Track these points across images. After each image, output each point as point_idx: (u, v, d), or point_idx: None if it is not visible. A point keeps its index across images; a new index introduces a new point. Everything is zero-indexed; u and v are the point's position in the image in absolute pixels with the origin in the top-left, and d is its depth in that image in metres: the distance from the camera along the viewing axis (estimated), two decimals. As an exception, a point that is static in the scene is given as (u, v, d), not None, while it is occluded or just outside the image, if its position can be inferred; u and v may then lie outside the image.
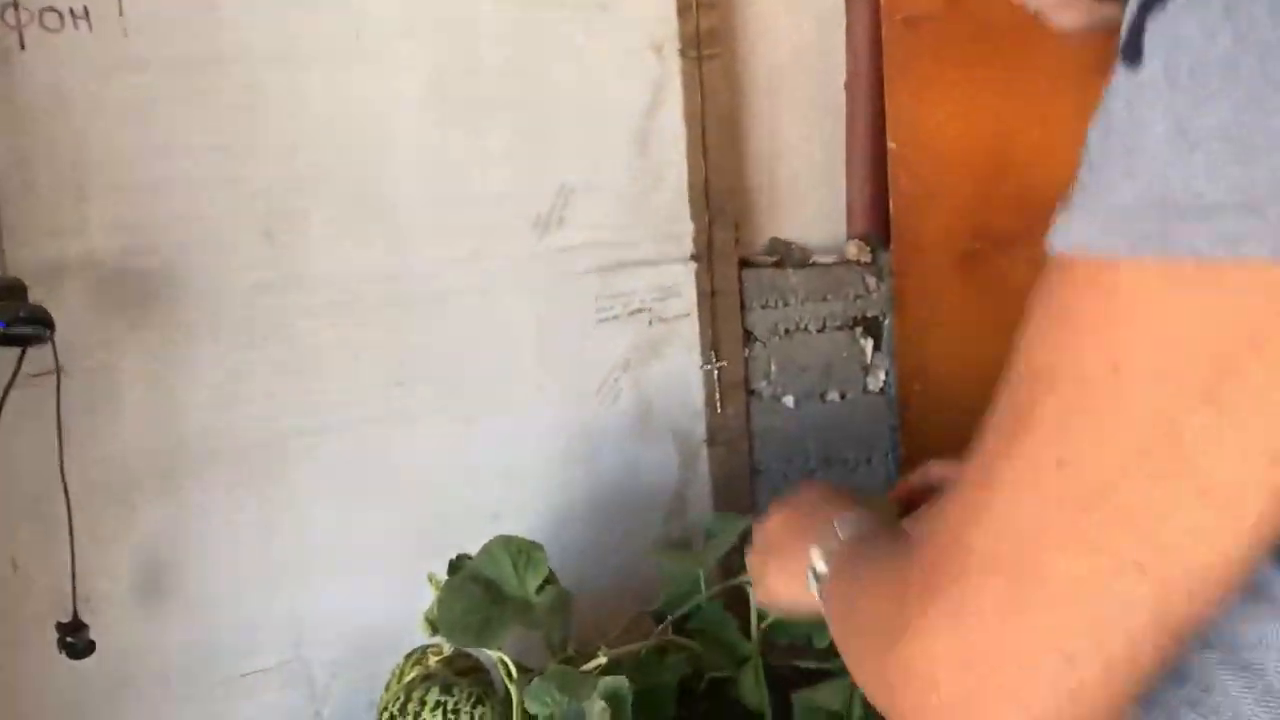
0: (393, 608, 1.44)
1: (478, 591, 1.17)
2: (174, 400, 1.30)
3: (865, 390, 1.81)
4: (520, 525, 1.31)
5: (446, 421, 1.49)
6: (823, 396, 1.80)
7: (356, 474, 1.42)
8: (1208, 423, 0.45)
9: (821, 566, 0.79)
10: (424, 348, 1.46)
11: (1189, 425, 0.45)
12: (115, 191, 1.25)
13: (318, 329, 1.38)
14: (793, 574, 0.84)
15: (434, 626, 1.17)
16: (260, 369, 1.35)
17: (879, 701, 0.57)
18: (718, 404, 1.72)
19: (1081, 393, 0.48)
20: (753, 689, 1.20)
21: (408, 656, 1.28)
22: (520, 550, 1.20)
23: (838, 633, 0.70)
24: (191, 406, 1.31)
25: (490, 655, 1.15)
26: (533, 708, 1.07)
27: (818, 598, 0.80)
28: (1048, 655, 0.48)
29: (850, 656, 0.64)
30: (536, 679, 1.09)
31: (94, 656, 1.26)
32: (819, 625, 1.21)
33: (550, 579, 1.21)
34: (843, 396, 1.81)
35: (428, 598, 1.28)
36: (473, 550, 1.20)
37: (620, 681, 1.02)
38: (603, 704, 0.99)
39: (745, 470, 1.77)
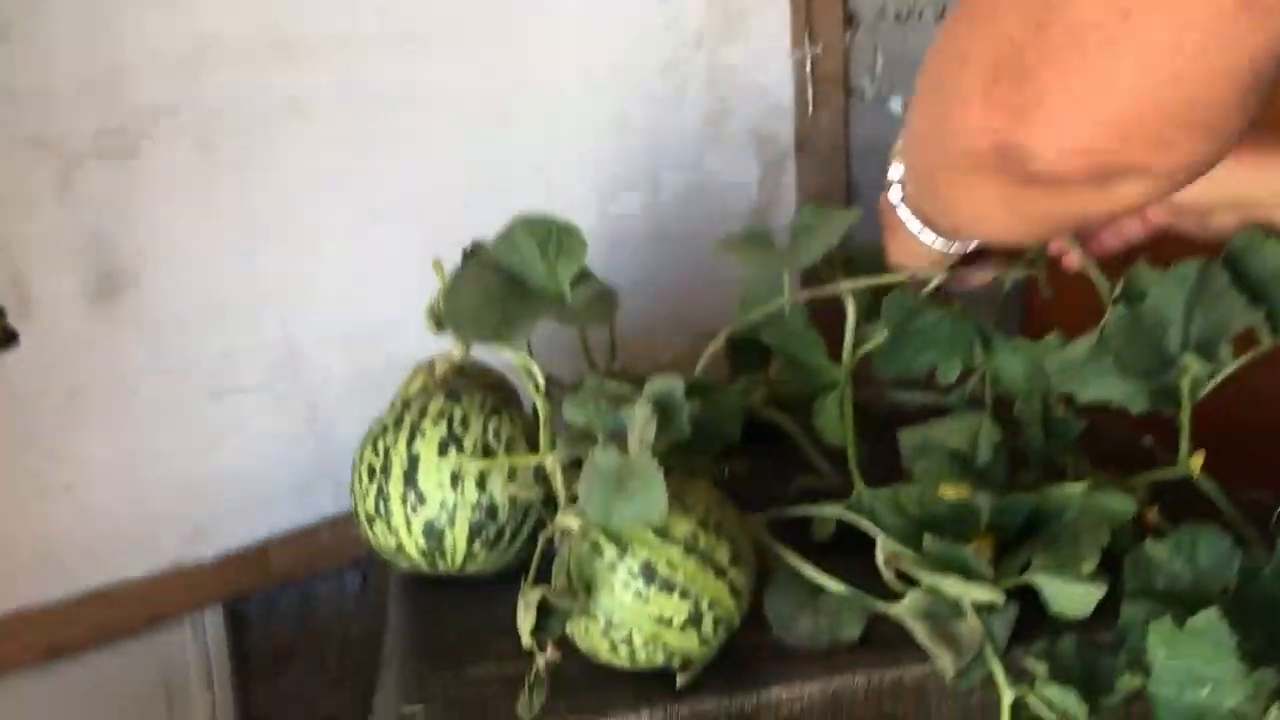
0: (407, 319, 1.18)
1: (495, 281, 0.91)
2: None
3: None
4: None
5: (469, 101, 1.21)
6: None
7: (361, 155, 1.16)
8: None
9: None
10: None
11: None
12: None
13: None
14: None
15: (439, 321, 0.92)
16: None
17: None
18: (809, 103, 1.41)
19: None
20: (834, 421, 0.94)
21: (418, 367, 1.03)
22: (550, 234, 0.93)
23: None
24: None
25: (511, 360, 0.90)
26: (572, 416, 0.83)
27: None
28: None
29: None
30: (584, 385, 0.85)
31: (37, 368, 1.03)
32: (946, 349, 0.96)
33: (588, 274, 0.95)
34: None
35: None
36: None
37: (673, 384, 0.77)
38: (649, 409, 0.74)
39: (840, 189, 1.47)
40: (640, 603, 0.74)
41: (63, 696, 1.11)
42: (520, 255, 0.93)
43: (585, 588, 0.75)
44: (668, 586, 0.74)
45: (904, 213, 0.82)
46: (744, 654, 0.81)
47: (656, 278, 1.36)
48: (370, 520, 0.88)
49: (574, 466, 0.82)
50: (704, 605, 0.75)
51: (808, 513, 0.90)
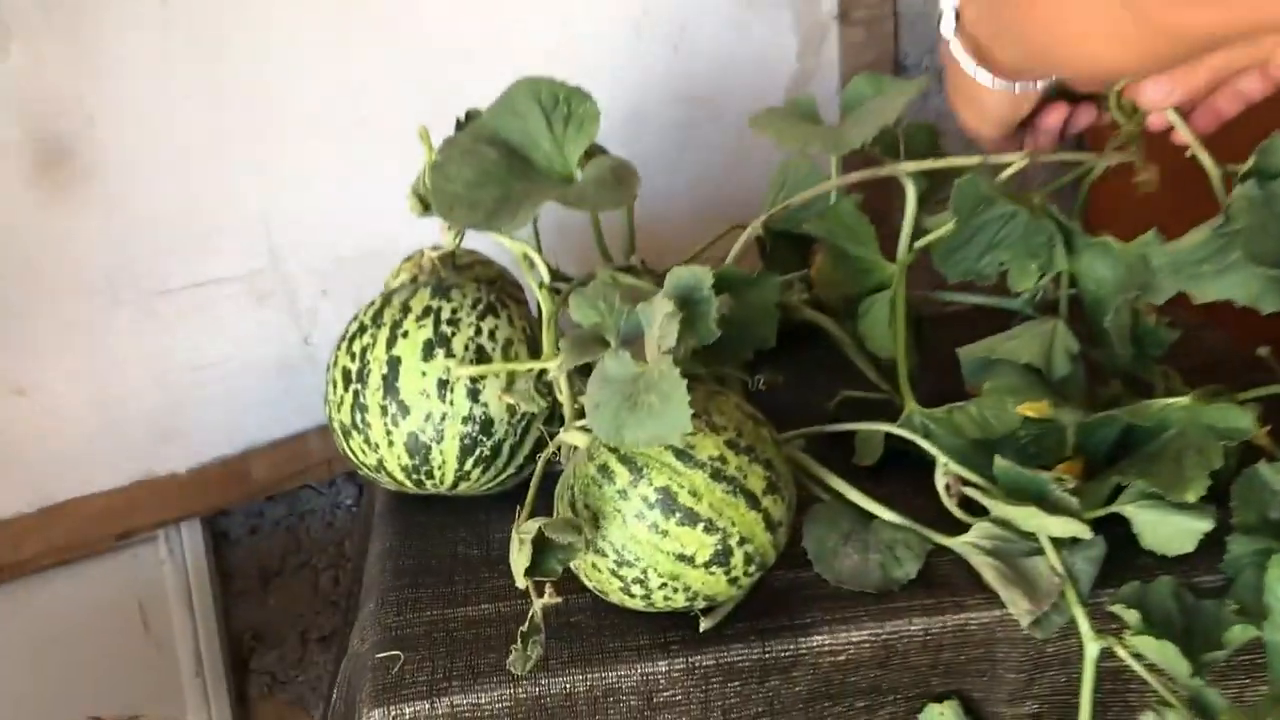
0: (398, 204, 1.06)
1: (493, 156, 0.77)
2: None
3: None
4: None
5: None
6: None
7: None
8: None
9: None
10: None
11: None
12: None
13: None
14: None
15: (424, 202, 0.79)
16: None
17: None
18: (854, -35, 1.26)
19: None
20: (883, 326, 0.80)
21: (406, 259, 0.90)
22: (558, 100, 0.79)
23: None
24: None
25: (509, 249, 0.77)
26: (578, 315, 0.70)
27: None
28: None
29: None
30: (594, 281, 0.72)
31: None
32: (1020, 249, 0.81)
33: (600, 149, 0.81)
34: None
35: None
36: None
37: (699, 276, 0.64)
38: (670, 306, 0.61)
39: (888, 63, 1.32)
40: (657, 537, 0.62)
41: (20, 619, 1.01)
42: (523, 124, 0.79)
43: (592, 519, 0.63)
44: (690, 518, 0.62)
45: (956, 48, 0.69)
46: (778, 594, 0.70)
47: (681, 161, 1.22)
48: (346, 433, 0.76)
49: (582, 375, 0.70)
50: (733, 540, 0.63)
51: (853, 429, 0.78)
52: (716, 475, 0.63)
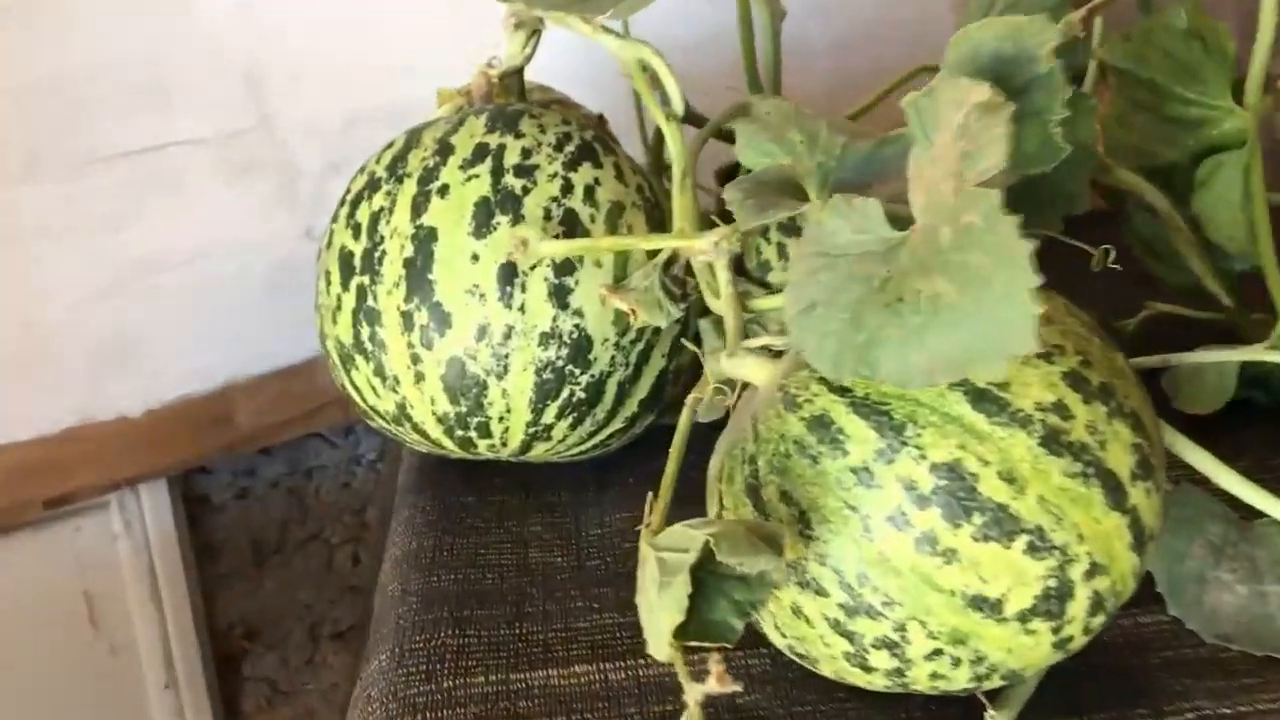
0: (432, 42, 0.76)
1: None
2: None
3: None
4: None
5: None
6: None
7: None
8: None
9: None
10: None
11: None
12: None
13: None
14: None
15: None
16: None
17: None
18: None
19: None
20: (1230, 207, 0.48)
21: (443, 93, 0.60)
22: None
23: None
24: None
25: (613, 54, 0.46)
26: (753, 155, 0.40)
27: None
28: None
29: None
30: (762, 106, 0.41)
31: None
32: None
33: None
34: None
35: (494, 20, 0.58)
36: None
37: (1027, 28, 0.32)
38: (984, 90, 0.30)
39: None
40: (933, 560, 0.32)
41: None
42: None
43: (796, 523, 0.33)
44: (1000, 526, 0.32)
45: None
46: (1122, 657, 0.39)
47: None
48: (346, 359, 0.46)
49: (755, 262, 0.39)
50: (1078, 567, 0.32)
51: (1199, 360, 0.46)
52: (1051, 441, 0.32)
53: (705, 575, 0.32)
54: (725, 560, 0.31)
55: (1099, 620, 0.34)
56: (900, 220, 0.32)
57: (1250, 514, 0.40)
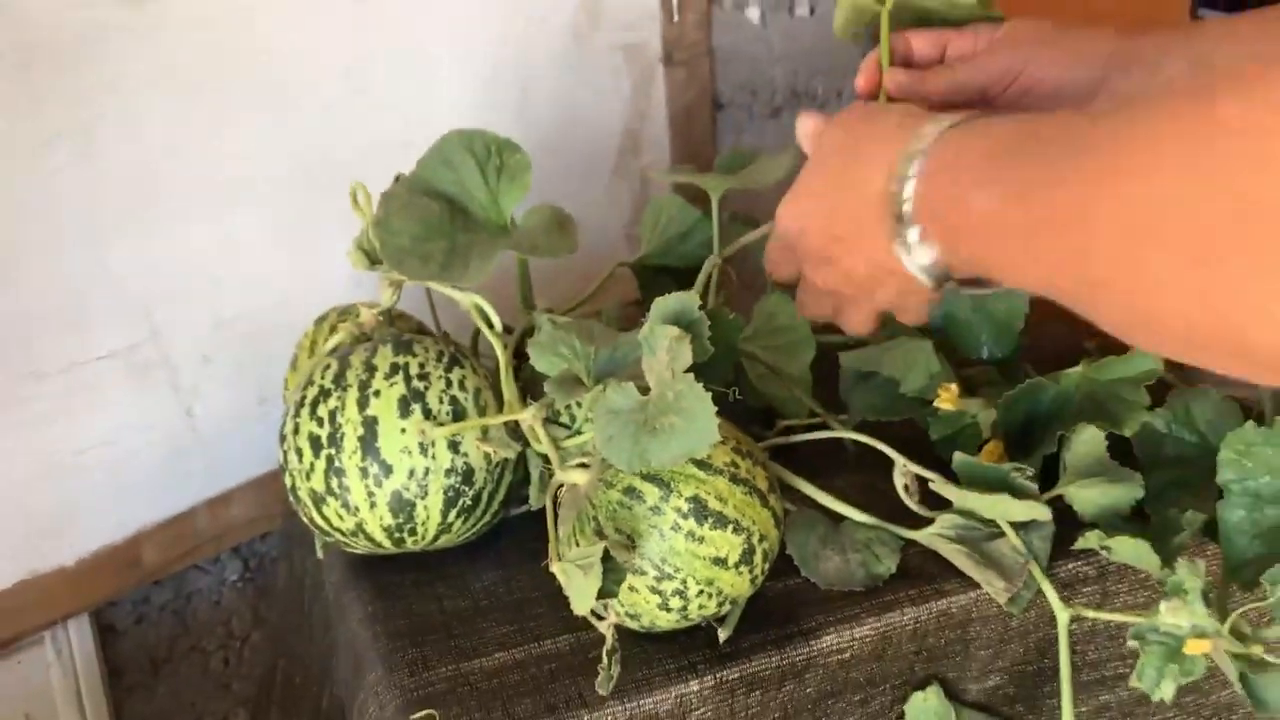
0: (276, 268, 1.04)
1: (435, 209, 0.78)
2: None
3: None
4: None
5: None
6: (791, 10, 1.44)
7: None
8: None
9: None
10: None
11: None
12: None
13: None
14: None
15: (371, 257, 0.78)
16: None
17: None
18: (674, 9, 1.33)
19: None
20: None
21: (319, 321, 0.89)
22: (489, 151, 0.81)
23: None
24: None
25: (458, 301, 0.78)
26: (542, 365, 0.72)
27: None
28: None
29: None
30: (543, 328, 0.73)
31: None
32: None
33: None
34: (812, 11, 1.46)
35: (323, 252, 0.88)
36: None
37: (686, 300, 0.67)
38: (676, 330, 0.64)
39: (707, 101, 1.40)
40: (694, 544, 0.65)
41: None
42: (457, 176, 0.81)
43: (626, 540, 0.66)
44: (721, 521, 0.66)
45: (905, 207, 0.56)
46: (779, 603, 0.74)
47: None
48: (318, 501, 0.75)
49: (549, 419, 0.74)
50: (755, 539, 0.67)
51: (807, 438, 0.83)
52: (734, 479, 0.67)
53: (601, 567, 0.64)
54: (615, 555, 0.63)
55: (765, 566, 0.68)
56: (644, 389, 0.66)
57: (838, 517, 0.76)
